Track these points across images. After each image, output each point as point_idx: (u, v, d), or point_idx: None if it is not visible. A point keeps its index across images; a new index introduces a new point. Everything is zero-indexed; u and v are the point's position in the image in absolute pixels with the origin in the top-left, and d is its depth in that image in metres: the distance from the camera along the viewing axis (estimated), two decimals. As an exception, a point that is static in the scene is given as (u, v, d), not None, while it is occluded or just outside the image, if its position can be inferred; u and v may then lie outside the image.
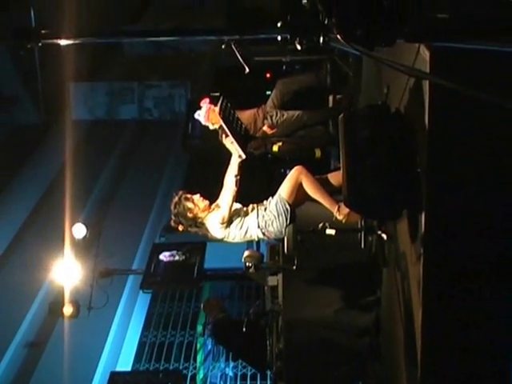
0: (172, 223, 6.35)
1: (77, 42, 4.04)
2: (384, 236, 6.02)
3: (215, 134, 7.33)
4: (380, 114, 5.14)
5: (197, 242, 8.37)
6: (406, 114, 5.04)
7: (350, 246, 6.59)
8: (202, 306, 8.50)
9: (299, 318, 6.85)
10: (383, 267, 6.45)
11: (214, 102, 6.69)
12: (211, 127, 7.45)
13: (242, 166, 5.86)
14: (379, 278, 6.69)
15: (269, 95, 8.44)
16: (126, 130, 14.56)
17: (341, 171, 5.31)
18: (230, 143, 5.83)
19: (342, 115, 5.27)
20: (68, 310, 8.35)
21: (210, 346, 10.61)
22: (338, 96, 8.69)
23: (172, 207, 6.26)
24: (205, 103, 7.29)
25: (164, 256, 8.40)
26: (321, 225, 6.05)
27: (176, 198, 6.24)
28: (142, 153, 14.13)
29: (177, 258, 8.32)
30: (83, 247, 8.77)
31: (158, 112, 13.84)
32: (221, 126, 6.00)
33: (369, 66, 7.06)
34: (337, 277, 6.86)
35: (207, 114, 7.32)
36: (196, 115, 7.48)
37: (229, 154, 5.89)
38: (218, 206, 6.19)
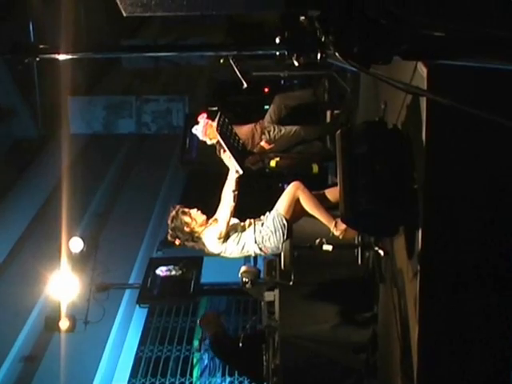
0: (169, 237, 6.33)
1: (75, 56, 4.04)
2: (381, 252, 6.02)
3: (213, 149, 7.34)
4: (377, 130, 5.13)
5: (194, 257, 8.37)
6: (404, 131, 5.04)
7: (347, 262, 6.59)
8: (198, 320, 8.47)
9: (296, 334, 6.82)
10: (380, 283, 6.44)
11: (211, 116, 6.68)
12: (209, 142, 7.44)
13: (240, 181, 5.86)
14: (376, 294, 6.67)
15: (267, 110, 8.44)
16: (124, 145, 14.57)
17: (338, 187, 5.32)
18: (227, 158, 5.82)
19: (339, 131, 5.27)
20: (64, 324, 8.32)
21: (206, 361, 10.58)
22: (336, 111, 8.68)
23: (169, 221, 6.25)
24: (202, 118, 7.29)
25: (161, 271, 8.40)
26: (318, 240, 6.06)
27: (173, 212, 6.23)
28: (139, 167, 14.13)
29: (173, 272, 8.32)
30: (80, 261, 8.75)
31: (156, 126, 13.82)
32: (218, 142, 6.00)
33: (366, 83, 7.07)
34: (334, 292, 6.84)
35: (205, 130, 7.31)
36: (194, 130, 7.48)
37: (226, 169, 5.89)
38: (215, 220, 6.18)
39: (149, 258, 9.96)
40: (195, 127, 7.48)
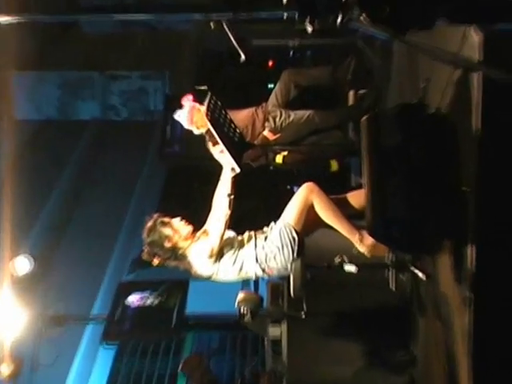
0: (145, 255, 6.34)
1: (21, 20, 4.05)
2: (420, 275, 6.02)
3: (201, 141, 7.35)
4: (415, 115, 5.14)
5: (176, 281, 8.39)
6: (450, 116, 5.05)
7: (376, 288, 6.59)
8: (180, 365, 8.47)
9: (308, 380, 6.84)
10: (419, 316, 6.44)
11: (199, 98, 6.69)
12: (196, 132, 7.46)
13: (236, 182, 5.87)
14: (414, 330, 6.68)
15: (271, 90, 8.45)
16: (85, 135, 14.52)
17: (364, 190, 5.33)
18: (220, 153, 5.83)
19: (365, 117, 5.29)
20: (6, 368, 8.31)
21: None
22: (361, 91, 8.69)
23: (145, 234, 6.25)
24: (187, 101, 7.31)
25: (134, 299, 8.42)
26: (337, 259, 6.06)
27: (150, 223, 6.24)
28: (105, 164, 14.11)
29: (150, 301, 8.34)
30: (27, 286, 8.74)
31: (127, 111, 13.83)
32: (208, 131, 6.01)
33: (401, 54, 7.09)
34: (358, 327, 6.86)
35: (191, 115, 7.33)
36: (176, 116, 7.50)
37: (219, 167, 5.89)
38: (205, 233, 6.19)
39: (118, 282, 9.96)
40: (178, 112, 7.51)
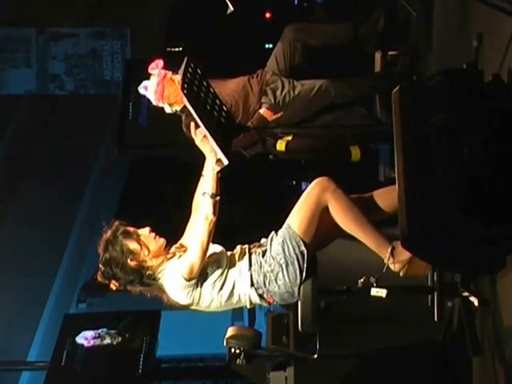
0: (100, 277, 6.33)
1: None
2: (474, 301, 6.03)
3: (176, 122, 7.39)
4: (466, 83, 5.17)
5: (144, 312, 8.38)
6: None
7: (414, 318, 6.62)
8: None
9: None
10: (474, 355, 6.45)
11: (172, 65, 6.72)
12: (168, 110, 7.51)
13: (223, 178, 5.88)
14: (466, 374, 6.70)
15: (270, 52, 8.46)
16: (17, 115, 14.51)
17: (396, 186, 5.34)
18: (201, 138, 5.84)
19: (398, 87, 5.31)
20: None
21: None
22: (392, 53, 8.70)
23: (101, 249, 6.24)
24: (156, 68, 7.35)
25: (85, 338, 8.40)
26: (361, 280, 6.08)
27: (109, 234, 6.22)
28: (45, 156, 14.09)
29: (108, 340, 8.34)
30: None
31: (74, 82, 13.83)
32: (185, 109, 6.02)
33: (446, 1, 7.13)
34: (389, 374, 6.89)
35: (161, 88, 7.37)
36: (141, 89, 7.53)
37: (201, 158, 5.90)
38: (182, 248, 6.20)
39: (63, 314, 9.94)
40: (144, 84, 7.54)
